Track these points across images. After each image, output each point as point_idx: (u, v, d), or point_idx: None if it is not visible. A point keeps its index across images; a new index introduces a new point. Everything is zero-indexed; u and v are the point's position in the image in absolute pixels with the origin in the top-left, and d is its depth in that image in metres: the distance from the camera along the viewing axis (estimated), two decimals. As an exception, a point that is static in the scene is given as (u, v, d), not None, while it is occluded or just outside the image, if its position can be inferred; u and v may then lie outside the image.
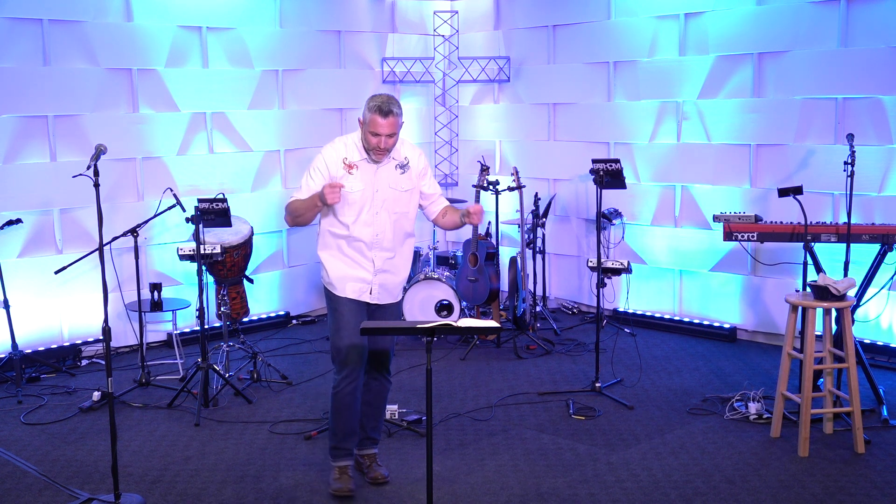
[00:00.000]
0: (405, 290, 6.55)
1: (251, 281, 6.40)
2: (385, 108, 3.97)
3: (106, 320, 4.09)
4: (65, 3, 6.21)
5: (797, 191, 5.22)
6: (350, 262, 4.16)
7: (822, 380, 5.05)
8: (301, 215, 4.10)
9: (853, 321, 4.96)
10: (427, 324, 3.46)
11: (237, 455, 4.72)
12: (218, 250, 5.82)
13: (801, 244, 5.27)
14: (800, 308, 4.72)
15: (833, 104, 6.25)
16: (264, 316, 7.43)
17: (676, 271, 7.24)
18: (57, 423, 5.22)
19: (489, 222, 7.46)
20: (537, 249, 7.48)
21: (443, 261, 7.48)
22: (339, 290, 4.17)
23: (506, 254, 7.69)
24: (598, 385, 5.62)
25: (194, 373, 5.64)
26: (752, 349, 6.65)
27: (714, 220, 5.81)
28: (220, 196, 5.68)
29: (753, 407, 5.15)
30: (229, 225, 5.75)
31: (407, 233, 4.26)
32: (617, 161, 6.65)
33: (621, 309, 7.42)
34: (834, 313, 4.78)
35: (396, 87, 8.30)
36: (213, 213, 5.62)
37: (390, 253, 4.18)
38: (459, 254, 7.35)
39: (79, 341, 6.46)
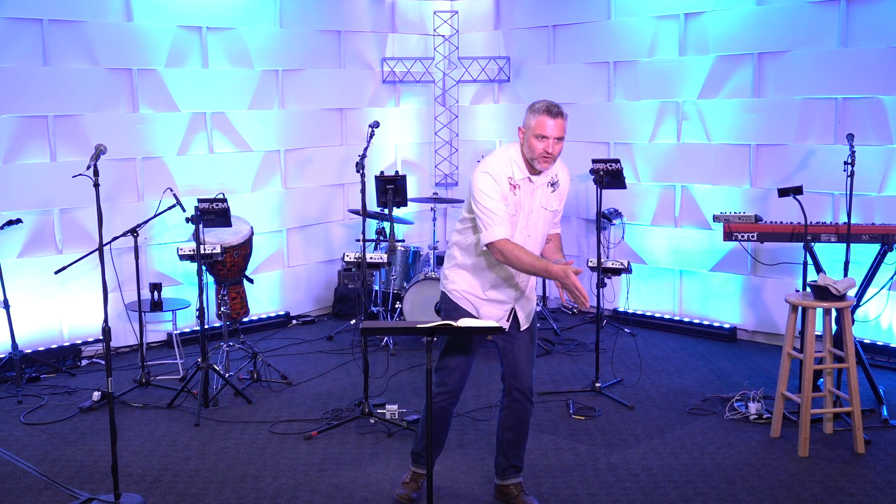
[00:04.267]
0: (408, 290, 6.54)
1: (251, 281, 6.40)
2: (554, 109, 3.70)
3: (106, 320, 4.09)
4: (65, 3, 6.21)
5: (797, 191, 5.22)
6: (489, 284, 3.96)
7: (822, 380, 5.05)
8: (530, 272, 3.83)
9: (853, 321, 4.96)
10: (427, 324, 3.46)
11: (237, 455, 4.72)
12: (218, 250, 5.82)
13: (801, 244, 5.27)
14: (800, 308, 4.72)
15: (833, 104, 6.25)
16: (264, 316, 7.43)
17: (676, 271, 7.24)
18: (57, 423, 5.22)
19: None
20: (537, 249, 7.46)
21: (443, 261, 7.47)
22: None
23: (506, 254, 7.67)
24: (598, 385, 5.62)
25: (194, 373, 5.64)
26: (752, 349, 6.65)
27: (714, 220, 5.81)
28: (220, 196, 5.68)
29: (753, 407, 5.15)
30: (229, 225, 5.75)
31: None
32: (617, 161, 6.65)
33: (621, 309, 7.42)
34: (834, 313, 4.78)
35: (396, 87, 8.30)
36: (213, 213, 5.62)
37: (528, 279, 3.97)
38: (459, 254, 7.33)
39: (79, 341, 6.46)
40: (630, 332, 7.08)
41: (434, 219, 7.33)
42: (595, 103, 7.57)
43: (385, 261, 6.68)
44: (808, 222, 5.32)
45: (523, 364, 4.00)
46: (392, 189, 6.74)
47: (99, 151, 4.12)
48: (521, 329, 4.02)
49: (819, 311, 4.74)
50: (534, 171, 3.83)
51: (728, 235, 5.68)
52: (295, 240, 7.66)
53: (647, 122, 7.24)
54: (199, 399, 5.33)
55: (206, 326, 5.47)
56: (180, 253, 5.84)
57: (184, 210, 5.71)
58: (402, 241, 7.50)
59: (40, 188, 6.22)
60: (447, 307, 4.05)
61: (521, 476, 4.16)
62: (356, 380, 5.90)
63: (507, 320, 3.98)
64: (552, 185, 3.91)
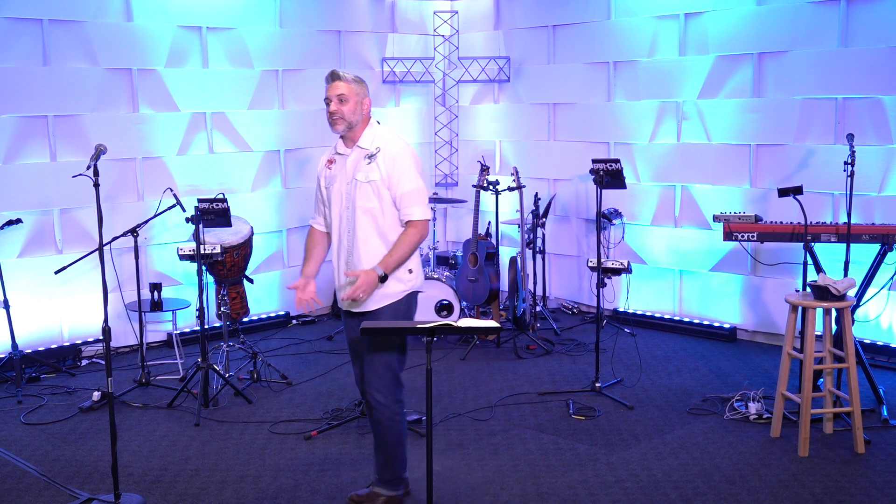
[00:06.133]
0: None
1: (251, 281, 6.40)
2: (332, 74, 3.87)
3: (106, 320, 4.09)
4: (65, 3, 6.21)
5: (797, 191, 5.22)
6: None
7: (822, 380, 5.05)
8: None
9: (853, 321, 4.96)
10: (427, 324, 3.46)
11: (237, 455, 4.72)
12: (218, 250, 5.82)
13: (801, 244, 5.27)
14: (800, 308, 4.72)
15: (833, 104, 6.25)
16: (264, 316, 7.43)
17: (676, 271, 7.24)
18: (57, 423, 5.22)
19: (489, 222, 7.47)
20: (537, 249, 7.48)
21: (443, 261, 7.48)
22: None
23: (506, 254, 7.69)
24: (598, 385, 5.62)
25: (194, 373, 5.64)
26: (752, 349, 6.65)
27: (714, 220, 5.81)
28: (220, 196, 5.68)
29: (753, 407, 5.15)
30: (229, 225, 5.75)
31: (377, 234, 3.86)
32: (617, 161, 6.65)
33: (621, 309, 7.42)
34: (834, 313, 4.78)
35: (396, 87, 8.30)
36: (213, 213, 5.62)
37: (352, 255, 3.89)
38: (459, 254, 7.35)
39: (79, 341, 6.46)
40: (630, 332, 7.08)
41: (434, 219, 7.34)
42: (595, 103, 7.57)
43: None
44: (808, 222, 5.32)
45: (364, 363, 3.93)
46: (392, 189, 6.72)
47: (99, 151, 4.12)
48: (354, 317, 3.95)
49: (819, 311, 4.74)
50: (348, 144, 3.92)
51: (728, 235, 5.68)
52: (295, 240, 7.65)
53: (647, 122, 7.24)
54: (199, 399, 5.33)
55: (206, 326, 5.47)
56: (180, 253, 5.84)
57: (184, 210, 5.71)
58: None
59: (40, 188, 6.22)
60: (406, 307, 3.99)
61: (384, 489, 4.02)
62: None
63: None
64: (370, 157, 3.85)
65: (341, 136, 3.93)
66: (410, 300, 3.98)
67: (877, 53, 6.02)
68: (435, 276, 6.79)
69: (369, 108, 3.92)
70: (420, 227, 3.86)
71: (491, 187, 6.99)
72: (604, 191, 5.99)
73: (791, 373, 4.88)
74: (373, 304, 3.87)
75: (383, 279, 3.80)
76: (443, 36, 8.36)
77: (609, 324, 7.26)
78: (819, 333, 4.78)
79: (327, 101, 3.86)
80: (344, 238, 3.90)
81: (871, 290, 5.49)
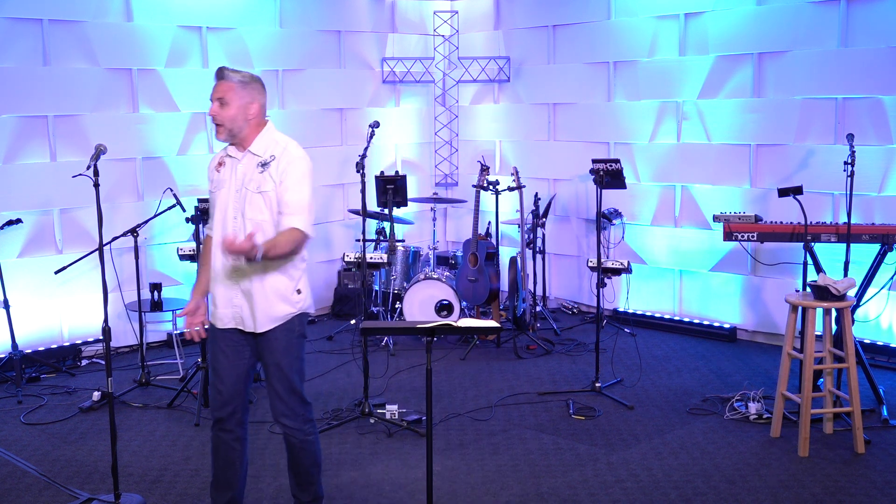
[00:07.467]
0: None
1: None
2: (218, 70, 3.48)
3: (106, 320, 4.09)
4: (65, 3, 6.21)
5: (797, 191, 5.22)
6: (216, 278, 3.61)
7: (822, 380, 5.05)
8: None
9: (853, 321, 4.96)
10: (427, 324, 3.46)
11: (237, 455, 4.72)
12: (218, 250, 5.81)
13: (801, 244, 5.27)
14: (800, 308, 4.72)
15: (833, 104, 6.25)
16: (264, 316, 7.42)
17: (676, 271, 7.24)
18: (57, 423, 5.22)
19: (489, 222, 7.47)
20: (537, 249, 7.48)
21: (443, 261, 7.48)
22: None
23: (506, 254, 7.69)
24: (598, 385, 5.62)
25: (194, 373, 5.64)
26: (752, 349, 6.65)
27: (714, 220, 5.82)
28: (220, 196, 5.67)
29: (753, 407, 5.15)
30: (229, 225, 5.74)
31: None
32: (617, 161, 6.65)
33: (621, 309, 7.42)
34: (834, 313, 4.78)
35: (396, 87, 8.30)
36: (213, 213, 5.62)
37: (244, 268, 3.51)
38: (459, 254, 7.35)
39: (79, 341, 6.46)
40: (630, 332, 7.08)
41: (434, 219, 7.34)
42: (595, 103, 7.57)
43: (385, 261, 6.69)
44: (808, 222, 5.32)
45: (267, 390, 3.67)
46: (392, 189, 6.73)
47: (99, 151, 4.11)
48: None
49: (819, 311, 4.74)
50: (240, 147, 3.54)
51: (728, 235, 5.68)
52: (295, 240, 7.64)
53: (647, 122, 7.24)
54: (199, 399, 5.33)
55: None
56: (180, 253, 5.84)
57: (184, 210, 5.71)
58: (402, 241, 7.51)
59: (40, 188, 6.22)
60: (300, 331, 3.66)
61: None
62: (356, 380, 5.90)
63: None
64: (263, 165, 3.47)
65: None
66: (302, 320, 3.63)
67: (877, 53, 6.02)
68: (435, 276, 6.79)
69: (258, 113, 3.51)
70: (297, 237, 3.44)
71: (491, 187, 6.99)
72: (604, 191, 5.99)
73: (791, 373, 4.88)
74: (263, 326, 3.54)
75: (251, 259, 3.33)
76: (443, 36, 8.36)
77: (609, 324, 7.26)
78: (819, 333, 4.78)
79: (211, 100, 3.49)
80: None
81: (871, 290, 5.49)
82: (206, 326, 3.70)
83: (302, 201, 3.47)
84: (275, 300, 3.54)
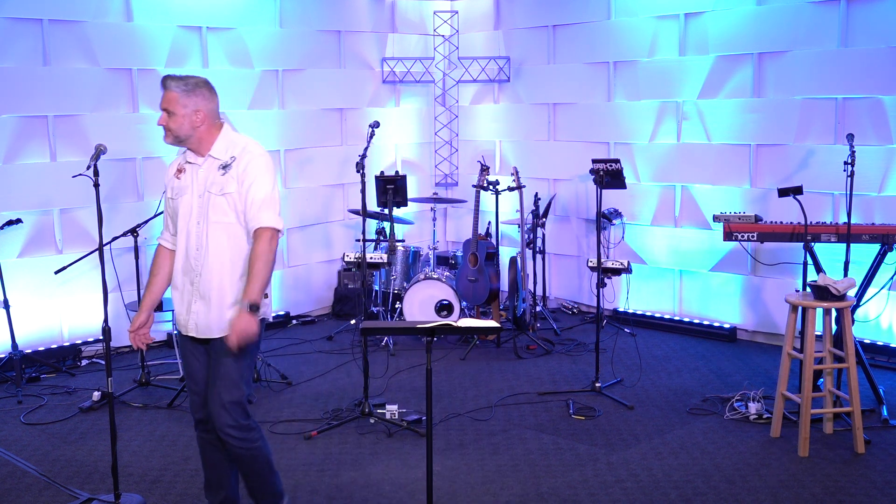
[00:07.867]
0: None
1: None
2: (163, 80, 3.56)
3: (106, 320, 4.09)
4: (65, 3, 6.21)
5: (797, 191, 5.22)
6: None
7: (822, 380, 5.05)
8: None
9: (853, 321, 4.96)
10: (427, 324, 3.46)
11: (237, 455, 4.72)
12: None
13: (801, 244, 5.27)
14: (800, 308, 4.72)
15: (833, 104, 6.25)
16: (264, 316, 7.42)
17: (676, 271, 7.24)
18: (57, 423, 5.22)
19: (489, 222, 7.47)
20: (537, 249, 7.48)
21: (443, 261, 7.48)
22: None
23: (506, 254, 7.69)
24: (598, 385, 5.62)
25: (194, 373, 5.63)
26: (752, 349, 6.65)
27: (714, 220, 5.82)
28: (220, 196, 5.67)
29: (753, 407, 5.15)
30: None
31: (230, 253, 3.51)
32: (617, 161, 6.65)
33: (621, 309, 7.42)
34: (834, 313, 4.78)
35: (396, 87, 8.30)
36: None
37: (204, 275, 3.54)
38: (459, 254, 7.35)
39: (79, 341, 6.46)
40: (630, 332, 7.08)
41: (434, 219, 7.34)
42: (595, 103, 7.57)
43: (385, 261, 6.68)
44: (808, 222, 5.32)
45: (208, 400, 3.60)
46: (392, 189, 6.74)
47: (99, 151, 4.12)
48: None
49: (819, 311, 4.74)
50: (200, 152, 3.58)
51: (728, 235, 5.68)
52: (295, 240, 7.66)
53: (647, 122, 7.24)
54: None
55: (206, 326, 5.46)
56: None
57: (184, 210, 5.70)
58: (402, 241, 7.51)
59: (40, 188, 6.22)
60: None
61: None
62: (356, 380, 5.90)
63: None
64: (224, 167, 3.50)
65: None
66: (260, 326, 3.55)
67: (877, 53, 6.02)
68: (435, 276, 6.79)
69: (206, 118, 3.54)
70: (270, 237, 3.44)
71: (491, 187, 6.99)
72: (604, 191, 5.99)
73: (791, 373, 4.88)
74: (219, 332, 3.53)
75: (255, 309, 3.40)
76: (443, 36, 8.36)
77: (609, 324, 7.26)
78: (819, 333, 4.78)
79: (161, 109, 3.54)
80: (191, 257, 3.52)
81: (871, 290, 5.49)
82: (154, 341, 3.77)
83: (267, 196, 3.49)
84: (231, 307, 3.51)
